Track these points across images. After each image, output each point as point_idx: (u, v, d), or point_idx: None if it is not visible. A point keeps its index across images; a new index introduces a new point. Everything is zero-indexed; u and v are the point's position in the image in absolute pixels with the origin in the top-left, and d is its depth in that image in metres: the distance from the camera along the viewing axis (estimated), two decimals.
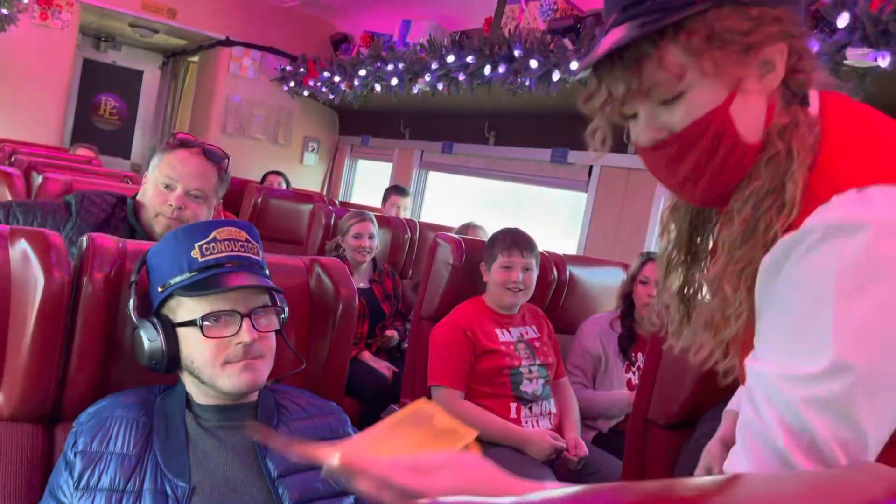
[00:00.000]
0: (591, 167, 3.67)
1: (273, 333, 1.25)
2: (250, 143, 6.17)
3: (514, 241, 2.38)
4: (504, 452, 2.18)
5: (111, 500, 1.09)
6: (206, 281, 1.17)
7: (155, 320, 1.20)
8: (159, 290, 1.20)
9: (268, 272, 1.27)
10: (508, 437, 2.20)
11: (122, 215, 1.77)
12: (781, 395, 0.73)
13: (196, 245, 1.19)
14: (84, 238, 1.27)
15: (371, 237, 3.21)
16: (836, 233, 0.72)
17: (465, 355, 2.28)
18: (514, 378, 2.29)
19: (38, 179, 2.22)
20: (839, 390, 0.70)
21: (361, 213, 3.29)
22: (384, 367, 3.05)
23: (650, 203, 3.27)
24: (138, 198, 1.79)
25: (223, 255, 1.19)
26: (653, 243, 3.22)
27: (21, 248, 1.20)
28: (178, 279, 1.18)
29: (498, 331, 2.35)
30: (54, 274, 1.18)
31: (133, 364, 1.25)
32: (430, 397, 2.34)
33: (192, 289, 1.18)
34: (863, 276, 0.70)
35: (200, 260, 1.18)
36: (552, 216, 4.43)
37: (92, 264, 1.23)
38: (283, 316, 1.29)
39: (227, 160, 1.81)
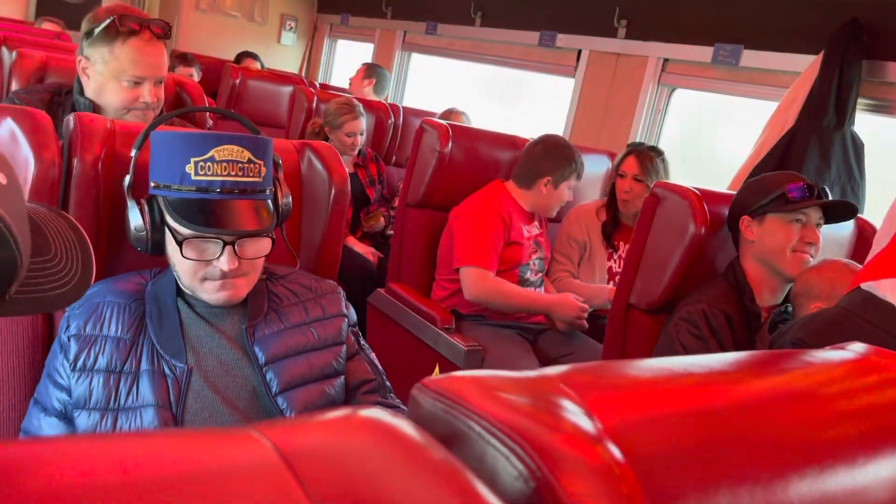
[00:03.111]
0: (579, 52, 3.59)
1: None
2: (225, 20, 5.90)
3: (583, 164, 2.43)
4: (497, 331, 2.28)
5: (109, 381, 1.12)
6: (193, 205, 1.12)
7: (145, 207, 1.16)
8: (152, 184, 1.15)
9: (271, 189, 1.21)
10: (537, 306, 2.37)
11: (69, 101, 1.63)
12: None
13: (192, 160, 1.11)
14: (71, 117, 1.24)
15: (362, 133, 3.14)
16: None
17: (499, 239, 2.34)
18: (522, 270, 2.38)
19: (10, 56, 2.13)
20: None
21: (354, 106, 3.11)
22: (369, 253, 3.07)
23: (638, 90, 3.23)
24: (89, 95, 1.63)
25: (218, 178, 1.12)
26: (639, 132, 3.20)
27: (8, 127, 1.17)
28: (168, 186, 1.13)
29: (524, 227, 2.40)
30: (44, 154, 1.16)
31: (129, 244, 1.25)
32: (451, 280, 2.37)
33: (177, 210, 1.12)
34: None
35: (193, 178, 1.11)
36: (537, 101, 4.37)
37: (82, 144, 1.21)
38: (285, 208, 1.26)
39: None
